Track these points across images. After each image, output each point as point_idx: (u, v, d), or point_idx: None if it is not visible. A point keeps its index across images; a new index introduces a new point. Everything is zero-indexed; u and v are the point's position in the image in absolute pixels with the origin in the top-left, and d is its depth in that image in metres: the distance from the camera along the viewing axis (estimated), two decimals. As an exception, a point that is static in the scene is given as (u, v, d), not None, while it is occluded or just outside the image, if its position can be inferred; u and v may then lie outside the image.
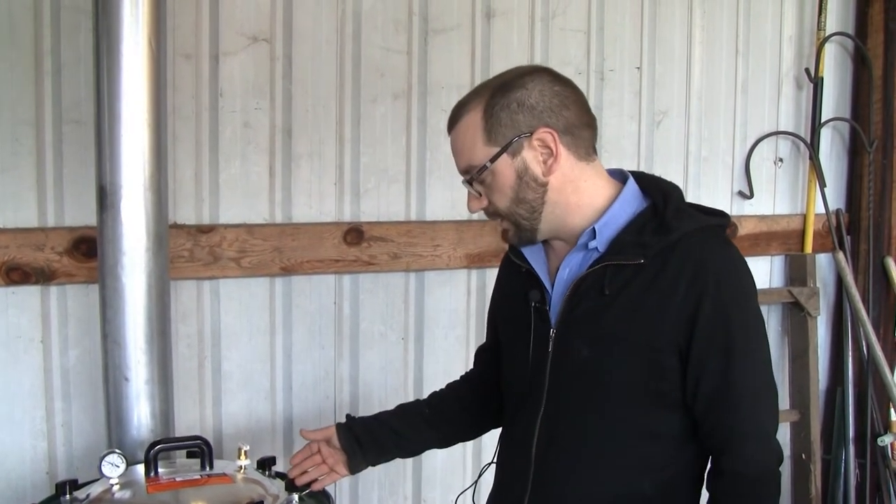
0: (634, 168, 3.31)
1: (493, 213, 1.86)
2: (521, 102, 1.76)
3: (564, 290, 1.84)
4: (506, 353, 2.06)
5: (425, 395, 3.12)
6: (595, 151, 1.86)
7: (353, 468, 2.15)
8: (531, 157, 1.78)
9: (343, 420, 2.18)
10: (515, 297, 1.96)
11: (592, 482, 1.83)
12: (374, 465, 2.19)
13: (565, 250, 1.86)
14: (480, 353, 2.27)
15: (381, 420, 2.19)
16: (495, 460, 2.09)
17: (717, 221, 1.86)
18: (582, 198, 1.82)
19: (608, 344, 1.78)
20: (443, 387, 2.29)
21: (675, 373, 1.76)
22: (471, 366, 2.31)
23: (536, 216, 1.81)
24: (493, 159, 1.77)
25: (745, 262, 1.82)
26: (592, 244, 1.80)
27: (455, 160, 1.86)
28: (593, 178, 1.83)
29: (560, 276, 1.86)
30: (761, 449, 1.78)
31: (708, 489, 1.83)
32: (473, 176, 1.81)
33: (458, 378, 2.30)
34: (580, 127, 1.81)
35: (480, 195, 1.84)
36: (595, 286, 1.79)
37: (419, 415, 2.21)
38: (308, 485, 2.08)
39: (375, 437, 2.15)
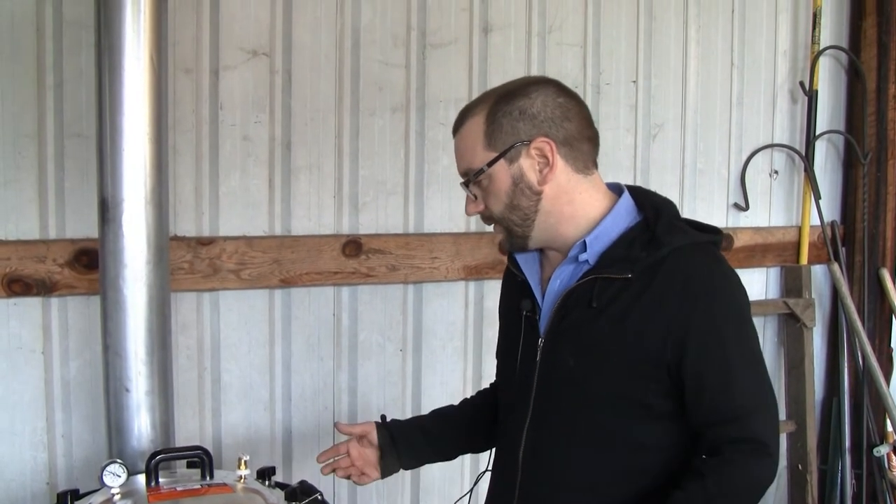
0: (630, 180, 3.36)
1: (487, 217, 1.90)
2: (523, 111, 1.79)
3: (554, 301, 1.86)
4: (500, 360, 2.10)
5: (424, 407, 3.15)
6: (595, 165, 1.88)
7: (385, 469, 2.17)
8: (528, 164, 1.80)
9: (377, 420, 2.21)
10: (511, 305, 1.99)
11: (578, 491, 1.85)
12: (406, 467, 2.21)
13: (558, 261, 1.88)
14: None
15: (414, 422, 2.24)
16: (489, 468, 2.10)
17: (708, 237, 1.87)
18: (576, 209, 1.84)
19: (594, 355, 1.80)
20: (473, 394, 2.33)
21: (661, 385, 1.77)
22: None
23: (529, 223, 1.84)
24: (491, 163, 1.80)
25: (737, 277, 1.83)
26: (583, 257, 1.82)
27: (456, 163, 1.90)
28: (589, 190, 1.85)
29: (551, 286, 1.88)
30: (757, 461, 1.76)
31: (694, 464, 1.78)
32: (471, 178, 1.84)
33: (462, 396, 2.32)
34: (580, 140, 1.83)
35: (477, 199, 1.87)
36: (583, 298, 1.81)
37: (451, 418, 2.24)
38: (308, 493, 2.09)
39: (409, 438, 2.18)
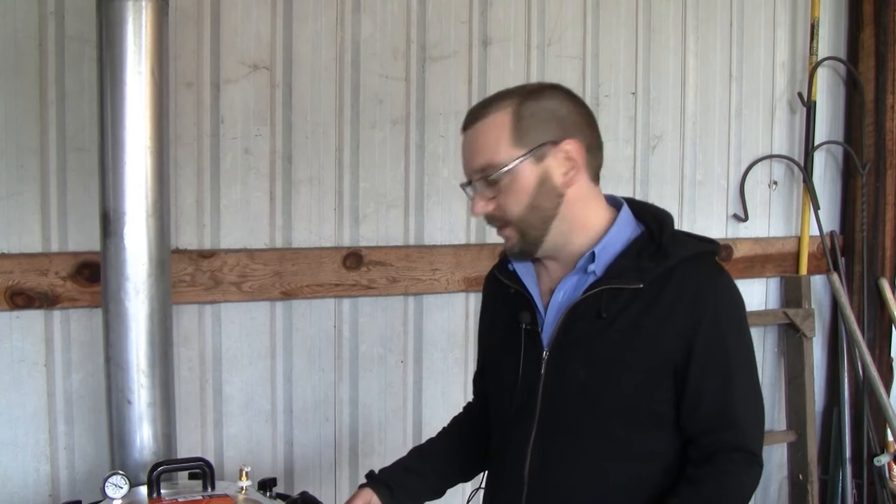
0: (630, 192, 3.38)
1: (498, 218, 1.83)
2: (552, 112, 1.78)
3: (559, 313, 1.85)
4: (494, 376, 2.05)
5: (425, 418, 3.16)
6: (598, 177, 1.90)
7: None
8: (554, 165, 1.78)
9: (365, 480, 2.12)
10: (503, 318, 1.97)
11: (585, 502, 1.85)
12: None
13: (560, 273, 1.88)
14: (477, 380, 2.25)
15: (402, 465, 2.14)
16: (483, 486, 2.09)
17: (709, 248, 1.89)
18: (588, 217, 1.84)
19: (605, 366, 1.80)
20: (449, 421, 2.28)
21: (669, 393, 1.79)
22: (469, 389, 2.31)
23: (546, 227, 1.81)
24: (518, 160, 1.76)
25: (737, 287, 1.86)
26: (591, 268, 1.82)
27: (469, 159, 1.83)
28: (598, 199, 1.87)
29: (555, 298, 1.87)
30: (748, 470, 1.81)
31: (688, 472, 1.81)
32: (488, 175, 1.78)
33: (461, 409, 2.30)
34: (596, 148, 1.85)
35: (492, 198, 1.81)
36: (592, 309, 1.80)
37: (437, 453, 2.19)
38: None
39: (403, 485, 2.08)
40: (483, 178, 1.80)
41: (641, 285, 1.77)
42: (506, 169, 1.76)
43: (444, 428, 2.27)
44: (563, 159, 1.78)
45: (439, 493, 2.18)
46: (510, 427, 1.94)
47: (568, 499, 1.86)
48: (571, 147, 1.78)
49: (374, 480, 2.08)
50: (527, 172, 1.77)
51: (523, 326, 1.89)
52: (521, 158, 1.76)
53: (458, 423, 2.26)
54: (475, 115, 1.82)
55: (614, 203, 1.91)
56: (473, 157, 1.82)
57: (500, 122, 1.78)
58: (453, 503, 2.35)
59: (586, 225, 1.84)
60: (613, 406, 1.81)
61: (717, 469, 1.77)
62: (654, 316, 1.77)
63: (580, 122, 1.81)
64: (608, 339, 1.79)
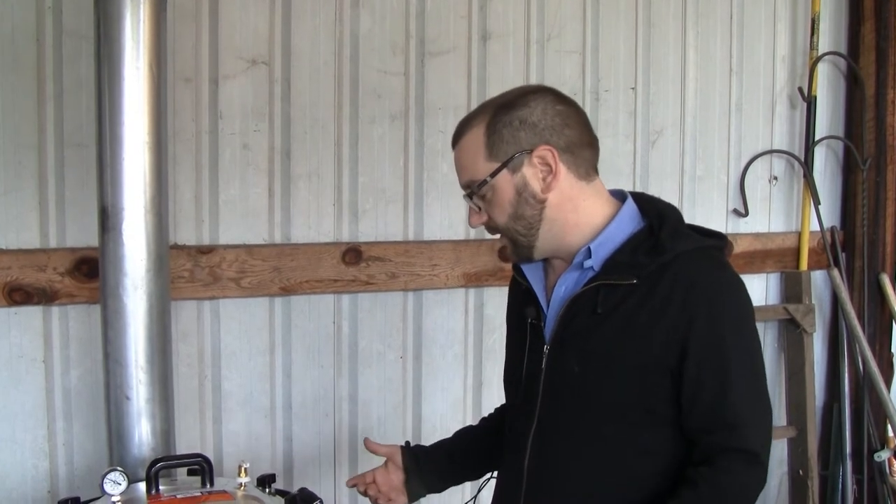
0: (630, 187, 3.36)
1: (492, 228, 1.89)
2: (523, 120, 1.79)
3: (559, 308, 1.86)
4: (506, 369, 2.09)
5: (424, 414, 3.16)
6: (596, 171, 1.88)
7: (411, 494, 2.18)
8: (531, 173, 1.80)
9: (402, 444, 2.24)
10: (516, 313, 2.01)
11: (582, 498, 1.85)
12: (432, 490, 2.23)
13: (563, 268, 1.89)
14: None
15: (438, 445, 2.25)
16: (495, 475, 2.11)
17: (712, 243, 1.88)
18: (580, 216, 1.84)
19: (599, 361, 1.80)
20: (493, 411, 2.32)
21: (664, 391, 1.77)
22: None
23: (534, 233, 1.84)
24: (494, 174, 1.80)
25: (741, 283, 1.83)
26: (588, 263, 1.82)
27: (457, 175, 1.90)
28: (592, 197, 1.86)
29: (556, 293, 1.88)
30: (748, 470, 1.77)
31: (687, 473, 1.79)
32: (474, 190, 1.84)
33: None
34: (581, 146, 1.84)
35: (481, 210, 1.87)
36: (588, 305, 1.81)
37: (474, 437, 2.25)
38: (308, 501, 2.09)
39: (434, 460, 2.19)
40: (469, 195, 1.87)
41: (635, 280, 1.77)
42: (484, 184, 1.82)
43: (488, 415, 2.32)
44: (538, 166, 1.80)
45: (473, 476, 2.28)
46: (516, 419, 1.97)
47: (563, 491, 1.86)
48: (545, 152, 1.79)
49: (409, 450, 2.20)
50: (504, 184, 1.81)
51: (529, 321, 1.92)
52: (496, 172, 1.81)
53: (500, 411, 2.28)
54: (457, 134, 1.88)
55: (621, 197, 1.92)
56: (459, 175, 1.90)
57: (475, 139, 1.83)
58: (463, 490, 2.36)
59: (579, 223, 1.84)
60: (606, 402, 1.82)
61: (715, 469, 1.75)
62: (648, 312, 1.76)
63: (556, 124, 1.81)
64: (602, 334, 1.80)
